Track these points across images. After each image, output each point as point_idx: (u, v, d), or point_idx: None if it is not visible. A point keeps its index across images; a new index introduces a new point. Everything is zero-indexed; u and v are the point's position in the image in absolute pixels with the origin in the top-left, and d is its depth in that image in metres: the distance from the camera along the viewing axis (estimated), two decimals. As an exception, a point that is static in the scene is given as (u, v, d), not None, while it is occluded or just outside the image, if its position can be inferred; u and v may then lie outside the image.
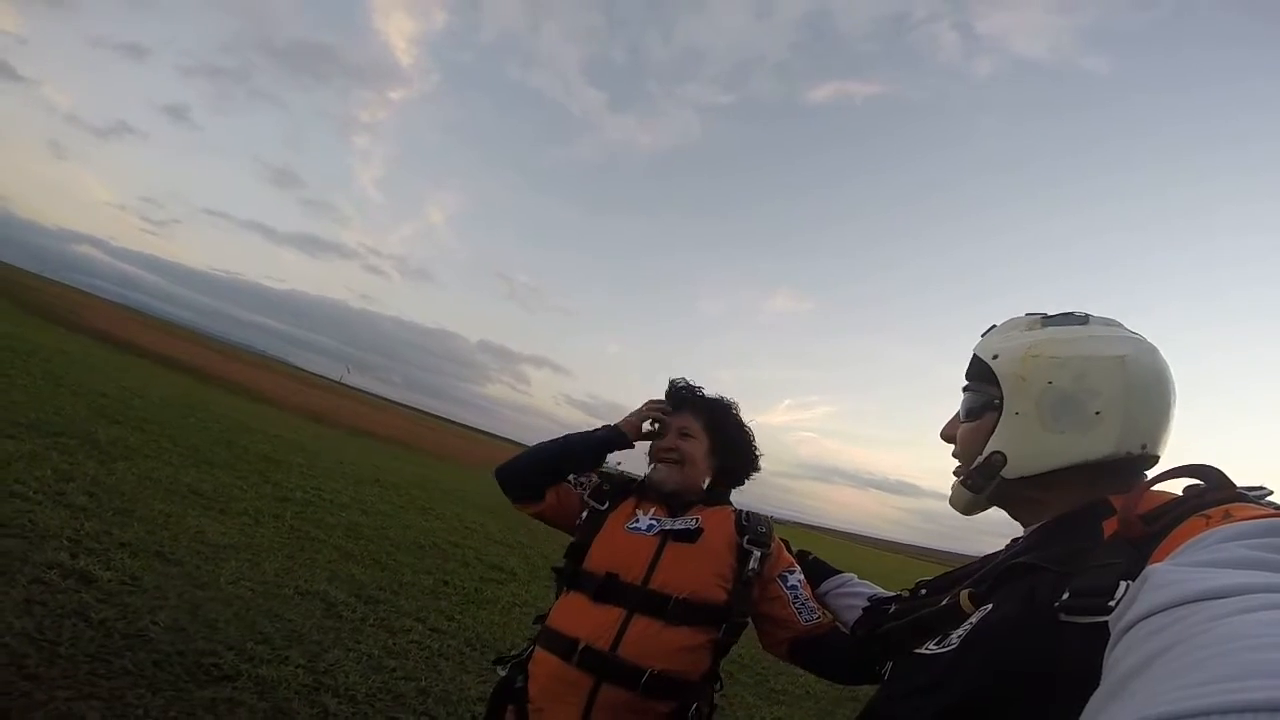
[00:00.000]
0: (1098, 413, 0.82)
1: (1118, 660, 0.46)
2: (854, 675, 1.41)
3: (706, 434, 1.67)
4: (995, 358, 0.92)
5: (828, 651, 1.45)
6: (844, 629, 1.44)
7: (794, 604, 1.49)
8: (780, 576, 1.51)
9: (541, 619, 1.56)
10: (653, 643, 1.38)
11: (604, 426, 1.69)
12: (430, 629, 4.21)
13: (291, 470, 8.91)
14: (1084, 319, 0.92)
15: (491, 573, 6.47)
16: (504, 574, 6.55)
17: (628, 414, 1.71)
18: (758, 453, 1.75)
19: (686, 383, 1.74)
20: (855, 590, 1.48)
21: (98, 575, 3.21)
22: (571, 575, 1.53)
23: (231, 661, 2.85)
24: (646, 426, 1.68)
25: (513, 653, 1.58)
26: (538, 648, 1.49)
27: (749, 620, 1.49)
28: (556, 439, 1.67)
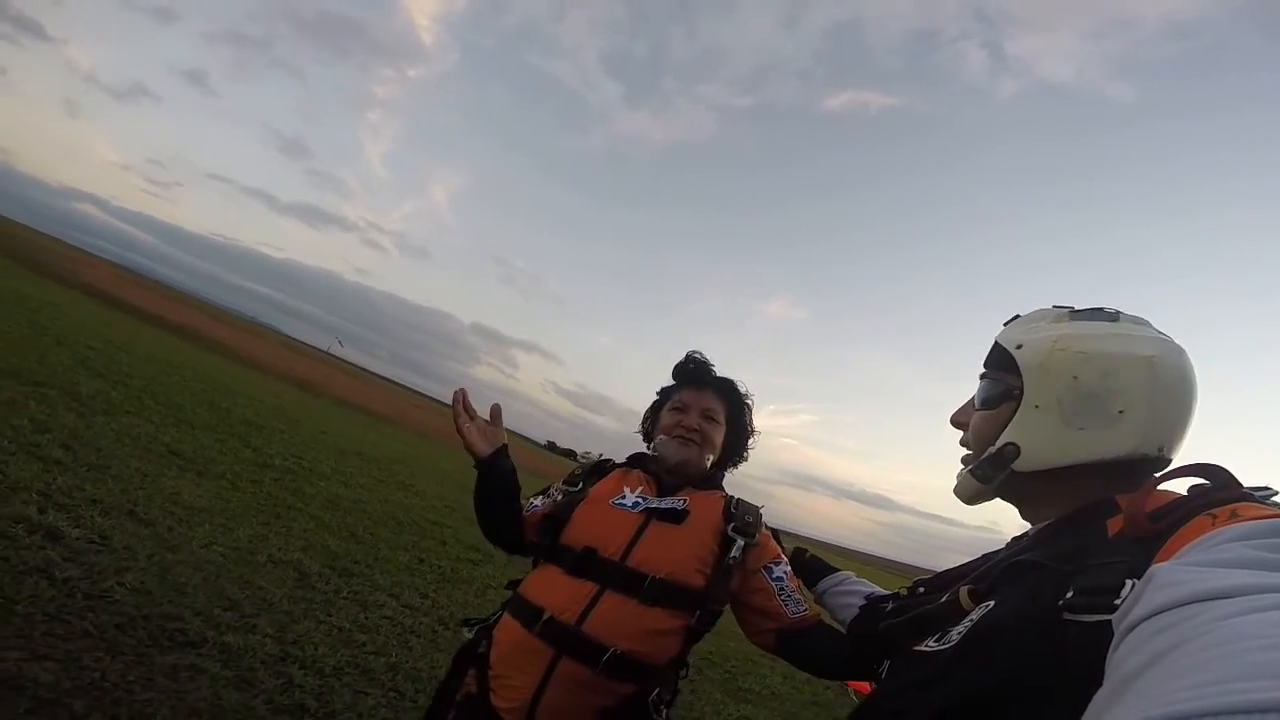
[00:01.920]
0: (1120, 412, 0.80)
1: (1121, 660, 0.46)
2: (844, 670, 1.39)
3: (727, 420, 1.66)
4: (1019, 347, 0.89)
5: (815, 644, 1.42)
6: (840, 627, 1.40)
7: (779, 595, 1.45)
8: (765, 568, 1.48)
9: (515, 584, 1.52)
10: (621, 621, 1.34)
11: (478, 465, 1.60)
12: (404, 605, 4.17)
13: (273, 436, 8.84)
14: (1114, 315, 0.89)
15: (468, 553, 6.44)
16: (481, 555, 6.52)
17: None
18: (752, 447, 1.75)
19: (705, 359, 1.71)
20: (853, 589, 1.44)
21: (65, 532, 3.14)
22: (549, 548, 1.49)
23: (197, 628, 2.80)
24: (475, 436, 1.59)
25: (479, 617, 1.55)
26: (505, 613, 1.46)
27: (723, 609, 1.45)
28: (477, 504, 1.64)
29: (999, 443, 0.88)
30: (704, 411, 1.62)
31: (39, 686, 2.09)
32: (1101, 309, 0.90)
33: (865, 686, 1.32)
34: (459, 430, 1.60)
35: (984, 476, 0.90)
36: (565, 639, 1.33)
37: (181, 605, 2.94)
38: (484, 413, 1.65)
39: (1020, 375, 0.88)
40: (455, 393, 1.65)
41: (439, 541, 6.48)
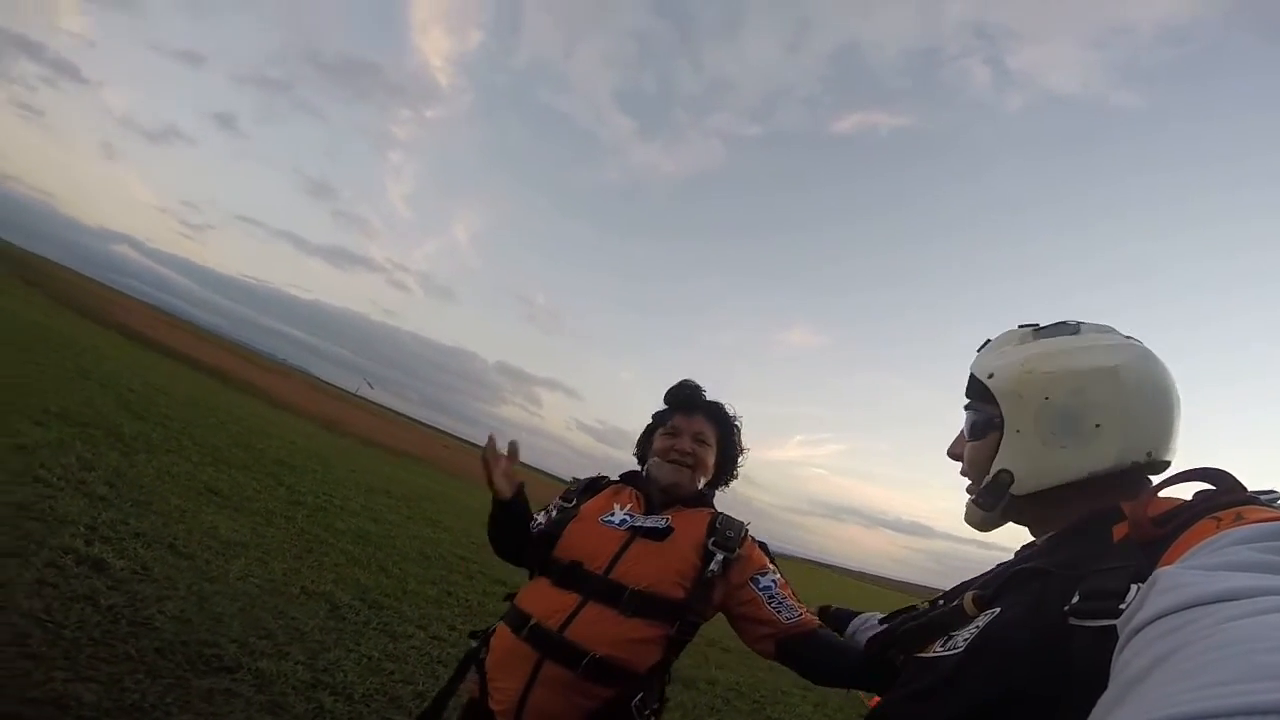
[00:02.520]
0: (1098, 425, 0.82)
1: (1126, 663, 0.45)
2: (850, 677, 1.39)
3: (717, 444, 1.74)
4: (991, 376, 0.91)
5: (815, 650, 1.45)
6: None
7: (770, 604, 1.50)
8: (752, 579, 1.53)
9: (512, 596, 1.62)
10: (601, 629, 1.42)
11: (493, 505, 1.70)
12: (431, 636, 4.22)
13: (305, 475, 9.01)
14: (1075, 328, 0.92)
15: (495, 587, 6.46)
16: (508, 588, 6.50)
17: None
18: (743, 465, 1.83)
19: (696, 385, 1.81)
20: (878, 619, 1.48)
21: (110, 563, 3.28)
22: (541, 561, 1.59)
23: (233, 654, 2.89)
24: (499, 480, 1.66)
25: (485, 629, 1.64)
26: (501, 622, 1.56)
27: (703, 620, 1.52)
28: (489, 531, 1.75)
29: (992, 471, 0.90)
30: (695, 435, 1.71)
31: (82, 706, 2.19)
32: (1064, 323, 0.93)
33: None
34: (486, 470, 1.68)
35: (986, 505, 0.92)
36: (548, 644, 1.41)
37: (218, 633, 3.03)
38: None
39: (995, 403, 0.90)
40: (489, 436, 1.73)
41: (466, 576, 6.52)
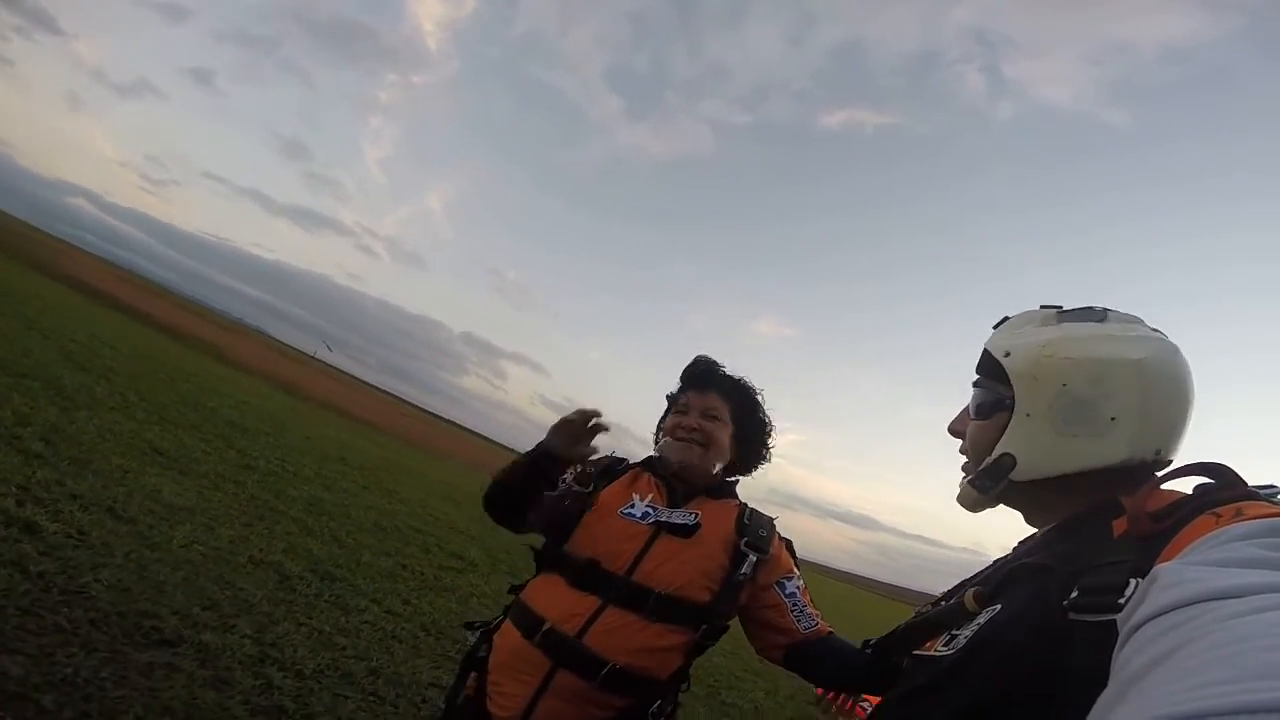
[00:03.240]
0: (1113, 418, 0.79)
1: (1126, 660, 0.45)
2: (857, 680, 1.36)
3: (732, 420, 1.59)
4: (1007, 355, 0.87)
5: (825, 656, 1.39)
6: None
7: (792, 611, 1.42)
8: (778, 583, 1.44)
9: (518, 589, 1.49)
10: (622, 636, 1.31)
11: (531, 451, 1.47)
12: (385, 611, 4.11)
13: (257, 438, 8.73)
14: (1102, 315, 0.87)
15: (451, 561, 6.38)
16: (464, 563, 6.46)
17: (554, 423, 1.45)
18: (772, 445, 1.67)
19: (712, 360, 1.65)
20: None
21: (43, 526, 3.08)
22: (552, 556, 1.45)
23: (174, 626, 2.74)
24: (582, 448, 1.44)
25: (484, 620, 1.52)
26: (506, 620, 1.43)
27: (729, 624, 1.42)
28: (497, 477, 1.54)
29: (995, 453, 0.87)
30: (705, 410, 1.56)
31: (7, 679, 2.05)
32: (1090, 308, 0.89)
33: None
34: (564, 422, 1.44)
35: (983, 487, 0.89)
36: (564, 651, 1.30)
37: (159, 603, 2.88)
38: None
39: (1009, 383, 0.86)
40: (591, 411, 1.47)
41: (422, 549, 6.41)
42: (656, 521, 1.44)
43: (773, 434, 1.67)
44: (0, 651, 2.15)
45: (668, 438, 1.57)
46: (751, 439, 1.64)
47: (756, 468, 1.67)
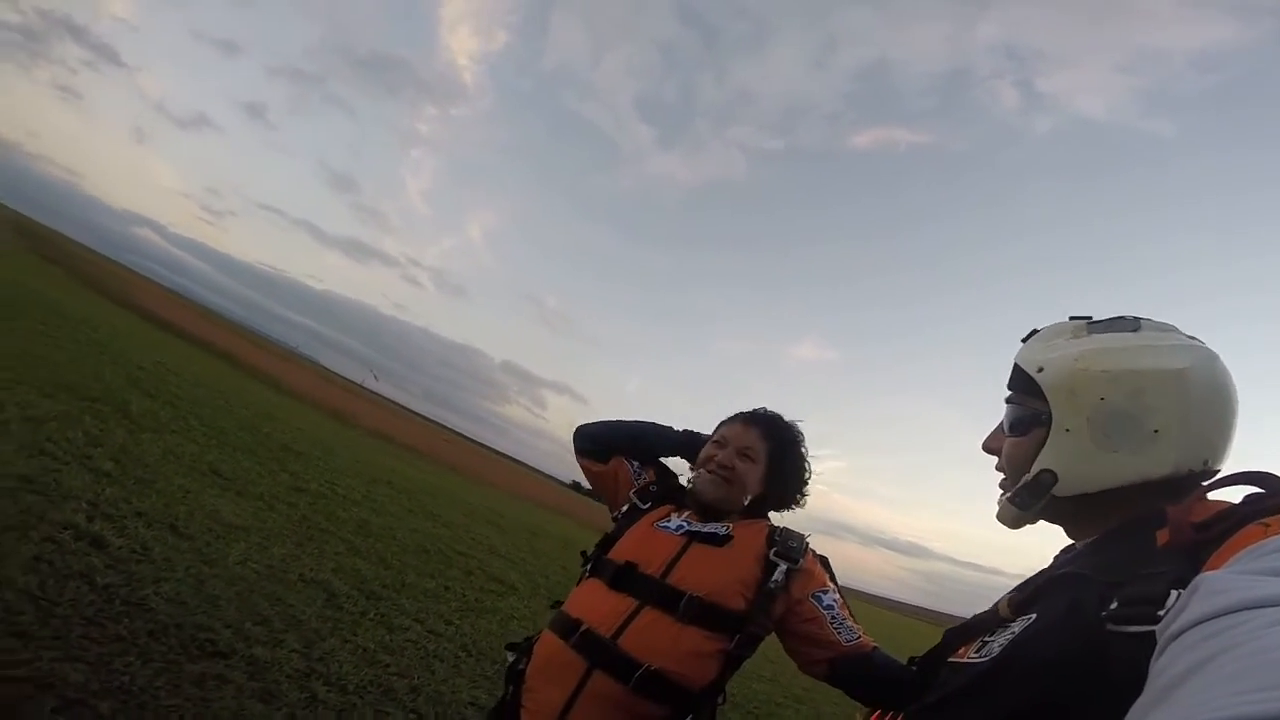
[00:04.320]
0: (1156, 431, 0.78)
1: (1164, 667, 0.45)
2: (905, 697, 1.36)
3: (767, 460, 1.62)
4: (1040, 370, 0.86)
5: (871, 671, 1.37)
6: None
7: (832, 624, 1.42)
8: (814, 596, 1.44)
9: (558, 604, 1.53)
10: (657, 638, 1.32)
11: (685, 430, 1.75)
12: (428, 630, 4.18)
13: (309, 462, 9.00)
14: (1135, 324, 0.86)
15: (492, 584, 6.44)
16: (504, 587, 6.51)
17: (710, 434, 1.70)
18: (808, 490, 1.68)
19: (767, 410, 1.69)
20: None
21: (110, 541, 3.25)
22: (595, 562, 1.52)
23: (227, 639, 2.85)
24: (704, 456, 1.63)
25: (525, 638, 1.56)
26: (546, 629, 1.47)
27: (764, 634, 1.41)
28: (638, 421, 1.77)
29: (1033, 470, 0.86)
30: (741, 449, 1.59)
31: (68, 686, 2.15)
32: (1122, 318, 0.87)
33: None
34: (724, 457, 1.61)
35: (1023, 504, 0.88)
36: (599, 652, 1.32)
37: (214, 617, 3.00)
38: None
39: (1044, 398, 0.85)
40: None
41: (465, 572, 6.49)
42: (689, 532, 1.49)
43: (809, 478, 1.68)
44: (63, 659, 2.26)
45: (700, 469, 1.61)
46: (785, 478, 1.65)
47: (788, 508, 1.68)
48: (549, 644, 1.41)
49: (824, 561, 1.53)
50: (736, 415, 1.69)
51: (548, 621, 1.48)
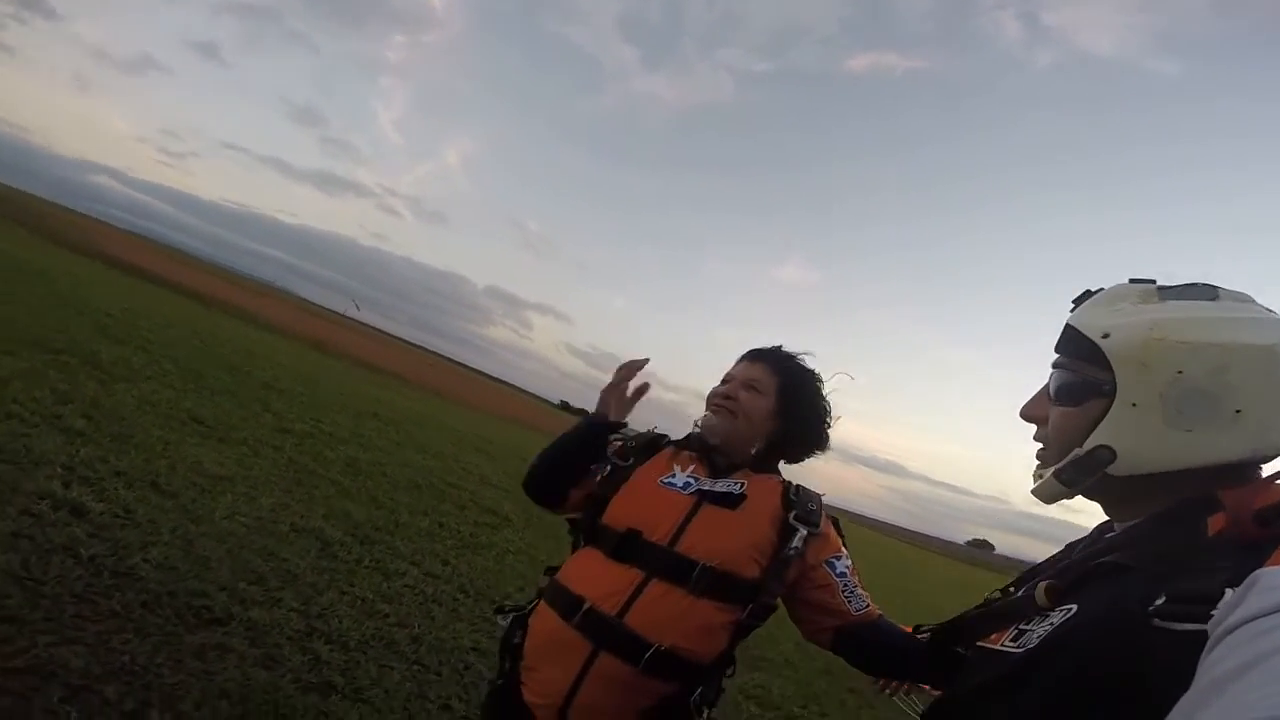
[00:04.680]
0: (1238, 411, 0.70)
1: (1216, 662, 0.44)
2: (907, 668, 1.32)
3: (777, 394, 1.48)
4: (1106, 336, 0.77)
5: (878, 639, 1.34)
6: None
7: (843, 592, 1.36)
8: (827, 562, 1.37)
9: (553, 570, 1.44)
10: (668, 614, 1.25)
11: (588, 417, 1.56)
12: (425, 573, 4.20)
13: (293, 400, 8.90)
14: (1212, 293, 0.77)
15: (486, 517, 6.50)
16: (499, 519, 6.58)
17: (602, 391, 1.56)
18: (828, 432, 1.54)
19: (777, 347, 1.56)
20: None
21: (90, 507, 3.15)
22: (589, 529, 1.40)
23: (223, 603, 2.82)
24: (616, 403, 1.54)
25: (515, 604, 1.48)
26: (541, 602, 1.38)
27: (777, 603, 1.35)
28: (553, 443, 1.56)
29: (1089, 444, 0.78)
30: (746, 381, 1.48)
31: (70, 673, 2.09)
32: (1196, 285, 0.78)
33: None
34: (610, 388, 1.55)
35: (1071, 480, 0.81)
36: (605, 632, 1.24)
37: (206, 580, 2.96)
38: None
39: (1108, 368, 0.77)
40: (631, 363, 1.57)
41: (457, 506, 6.53)
42: (699, 490, 1.38)
43: (830, 420, 1.54)
44: (60, 643, 2.20)
45: (707, 410, 1.50)
46: (799, 418, 1.51)
47: (806, 455, 1.55)
48: (548, 621, 1.33)
49: (836, 523, 1.45)
50: (746, 353, 1.57)
51: (543, 592, 1.40)
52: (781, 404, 1.48)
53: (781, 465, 1.54)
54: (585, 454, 1.51)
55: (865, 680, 1.54)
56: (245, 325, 19.01)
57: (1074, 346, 0.82)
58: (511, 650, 1.39)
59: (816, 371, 1.55)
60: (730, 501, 1.36)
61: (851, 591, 1.36)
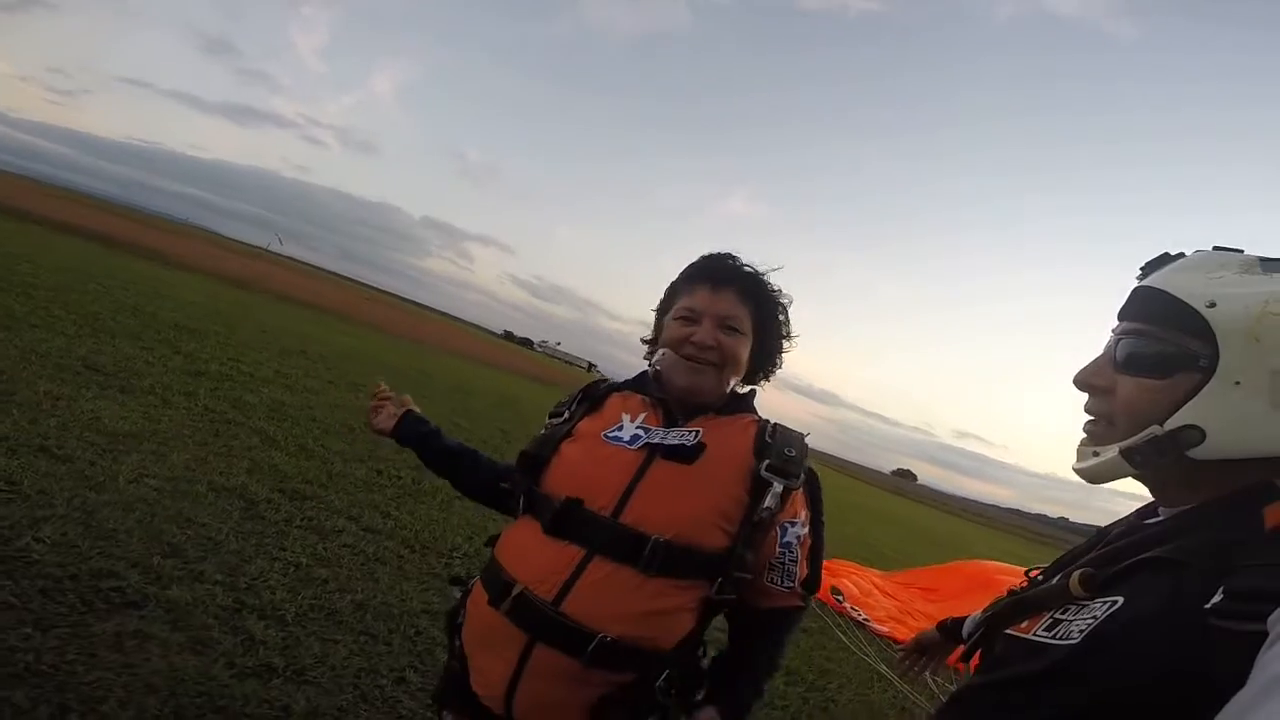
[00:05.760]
0: None
1: (1274, 659, 0.44)
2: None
3: (754, 330, 1.27)
4: (1212, 305, 0.69)
5: (754, 622, 1.23)
6: None
7: (775, 570, 1.18)
8: (780, 525, 1.16)
9: (494, 541, 1.24)
10: (612, 598, 1.05)
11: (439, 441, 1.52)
12: (364, 529, 3.93)
13: (207, 339, 8.26)
14: None
15: (430, 459, 6.22)
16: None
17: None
18: (789, 350, 1.37)
19: (730, 255, 1.30)
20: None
21: (-37, 481, 2.74)
22: (528, 498, 1.18)
23: (136, 583, 2.49)
24: (380, 422, 1.53)
25: (466, 575, 1.32)
26: (478, 581, 1.19)
27: (751, 575, 1.15)
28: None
29: (1173, 423, 0.69)
30: (722, 320, 1.23)
31: (-37, 681, 1.78)
32: None
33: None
34: (373, 410, 1.56)
35: (1143, 461, 0.72)
36: (540, 622, 1.05)
37: (114, 557, 2.61)
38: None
39: (1207, 340, 0.69)
40: (378, 384, 1.56)
41: (396, 449, 6.10)
42: (649, 444, 1.15)
43: (792, 342, 1.36)
44: (-59, 647, 1.86)
45: (668, 351, 1.23)
46: (769, 352, 1.32)
47: (769, 377, 1.36)
48: (480, 607, 1.14)
49: (812, 478, 1.24)
50: (697, 273, 1.29)
51: (484, 570, 1.20)
52: (758, 337, 1.29)
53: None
54: (448, 461, 1.48)
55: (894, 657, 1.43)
56: (154, 265, 17.52)
57: (1164, 313, 0.73)
58: (457, 629, 1.22)
59: (783, 292, 1.34)
60: (685, 455, 1.14)
61: (786, 570, 1.19)
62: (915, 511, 47.60)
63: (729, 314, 1.23)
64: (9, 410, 3.72)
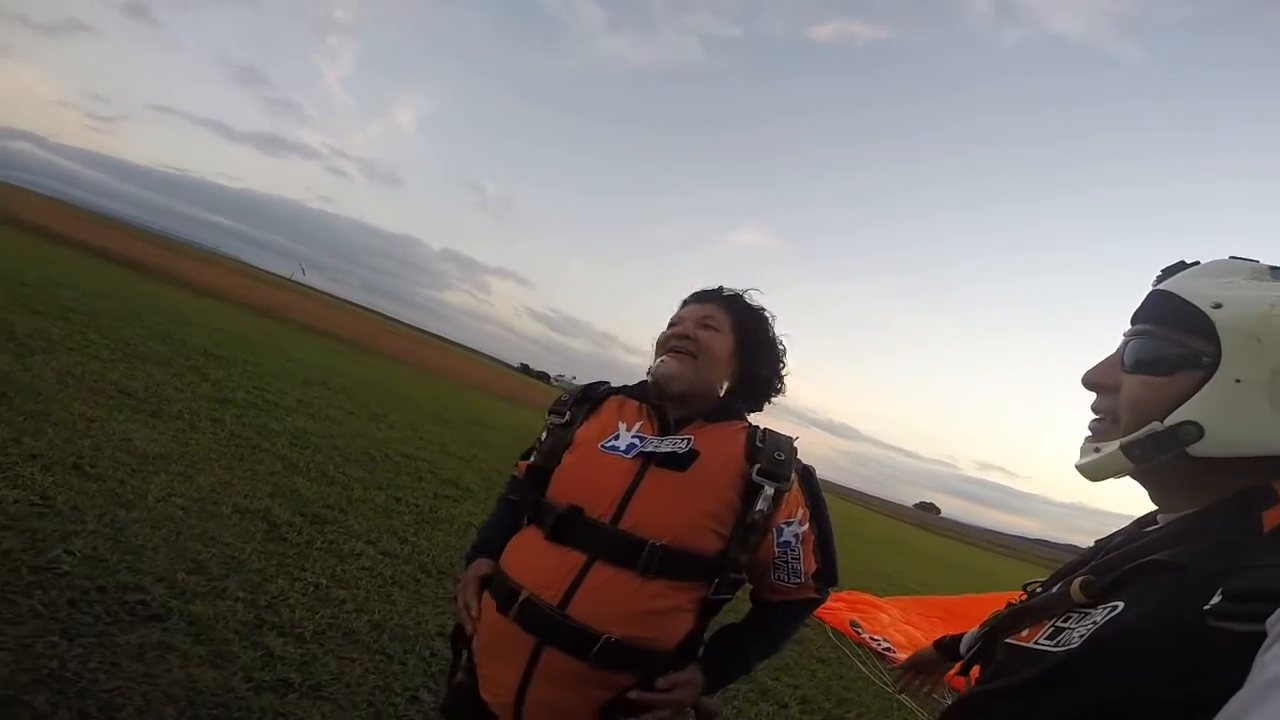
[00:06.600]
0: None
1: (1272, 661, 0.45)
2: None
3: (734, 331, 1.37)
4: (1218, 307, 0.71)
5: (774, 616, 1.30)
6: None
7: (777, 570, 1.24)
8: (776, 526, 1.22)
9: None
10: (614, 600, 1.11)
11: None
12: (382, 553, 3.97)
13: (234, 367, 8.44)
14: None
15: (446, 489, 6.27)
16: (459, 491, 6.36)
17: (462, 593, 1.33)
18: (784, 372, 1.44)
19: (719, 287, 1.44)
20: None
21: (2, 495, 2.84)
22: (534, 506, 1.26)
23: (161, 597, 2.56)
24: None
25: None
26: (486, 590, 1.24)
27: (746, 575, 1.23)
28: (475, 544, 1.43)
29: (1173, 419, 0.71)
30: (700, 319, 1.34)
31: (-7, 683, 1.83)
32: None
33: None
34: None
35: (1142, 457, 0.73)
36: (547, 625, 1.11)
37: (140, 572, 2.68)
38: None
39: (1210, 340, 0.70)
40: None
41: (415, 478, 6.28)
42: (643, 453, 1.21)
43: (784, 355, 1.43)
44: (-24, 650, 1.93)
45: (659, 357, 1.34)
46: (758, 358, 1.39)
47: (768, 398, 1.43)
48: (488, 613, 1.19)
49: (807, 476, 1.30)
50: (688, 297, 1.45)
51: (490, 579, 1.26)
52: (739, 341, 1.37)
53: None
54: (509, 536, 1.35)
55: (890, 676, 1.44)
56: (183, 292, 18.01)
57: (1171, 314, 0.75)
58: (467, 640, 1.26)
59: (765, 308, 1.44)
60: (678, 462, 1.20)
61: (790, 568, 1.24)
62: (938, 544, 46.56)
63: (707, 315, 1.36)
64: (45, 430, 3.84)
